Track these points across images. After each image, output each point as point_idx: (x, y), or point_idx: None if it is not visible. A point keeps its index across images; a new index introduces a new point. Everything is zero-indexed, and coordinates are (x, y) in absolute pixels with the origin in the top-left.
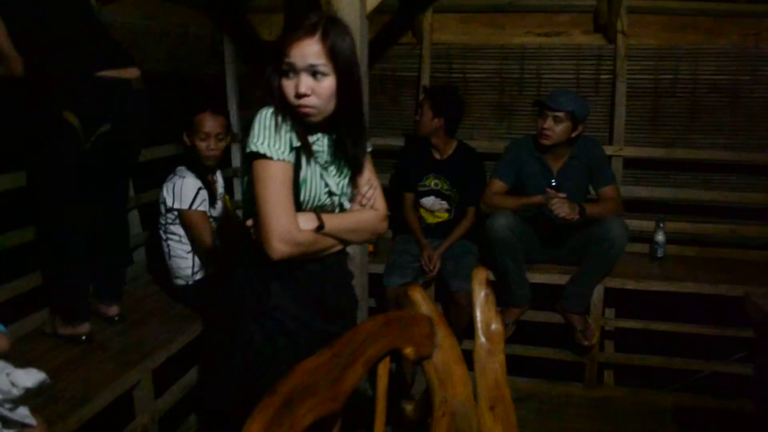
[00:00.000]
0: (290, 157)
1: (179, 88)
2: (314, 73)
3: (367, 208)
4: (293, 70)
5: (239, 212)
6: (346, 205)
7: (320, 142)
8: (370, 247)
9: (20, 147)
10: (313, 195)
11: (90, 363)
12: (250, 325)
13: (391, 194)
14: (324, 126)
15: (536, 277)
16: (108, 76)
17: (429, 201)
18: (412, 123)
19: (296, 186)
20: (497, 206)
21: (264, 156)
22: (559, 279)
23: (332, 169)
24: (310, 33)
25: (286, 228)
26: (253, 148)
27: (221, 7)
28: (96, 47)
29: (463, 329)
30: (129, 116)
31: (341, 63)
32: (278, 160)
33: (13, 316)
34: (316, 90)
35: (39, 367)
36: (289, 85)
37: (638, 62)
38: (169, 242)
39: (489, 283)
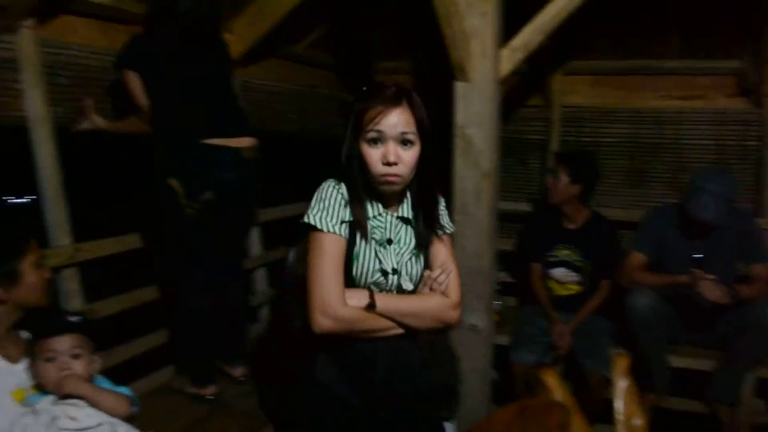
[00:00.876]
0: (343, 231)
1: (310, 147)
2: (403, 141)
3: (437, 293)
4: (381, 139)
5: None
6: (406, 285)
7: (382, 218)
8: (496, 317)
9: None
10: (365, 271)
11: (216, 424)
12: (304, 394)
13: (515, 262)
14: (390, 201)
15: (678, 361)
16: (214, 145)
17: (559, 272)
18: (538, 187)
19: (349, 260)
20: (639, 282)
21: (316, 228)
22: (705, 364)
23: (394, 246)
24: (397, 102)
25: (330, 302)
26: (307, 219)
27: (351, 69)
28: (214, 116)
29: (595, 412)
30: (233, 184)
31: (425, 133)
32: (329, 232)
33: (142, 371)
34: (404, 158)
35: (165, 425)
36: (374, 154)
37: None
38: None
39: (631, 372)
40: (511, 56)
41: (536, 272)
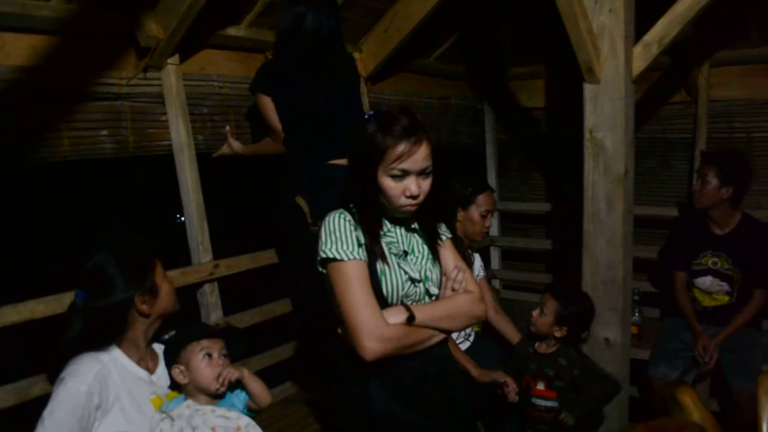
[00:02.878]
0: (361, 255)
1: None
2: (424, 174)
3: (460, 291)
4: (404, 175)
5: None
6: (433, 290)
7: (392, 233)
8: (634, 330)
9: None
10: (395, 285)
11: None
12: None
13: (658, 270)
14: (396, 218)
15: None
16: (341, 164)
17: (706, 281)
18: (684, 191)
19: (376, 280)
20: None
21: (335, 259)
22: None
23: (411, 257)
24: (420, 138)
25: (373, 324)
26: (323, 255)
27: (482, 77)
28: (340, 135)
29: None
30: None
31: (435, 158)
32: (349, 260)
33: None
34: (423, 188)
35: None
36: (397, 187)
37: None
38: None
39: None
40: (645, 53)
41: (680, 281)
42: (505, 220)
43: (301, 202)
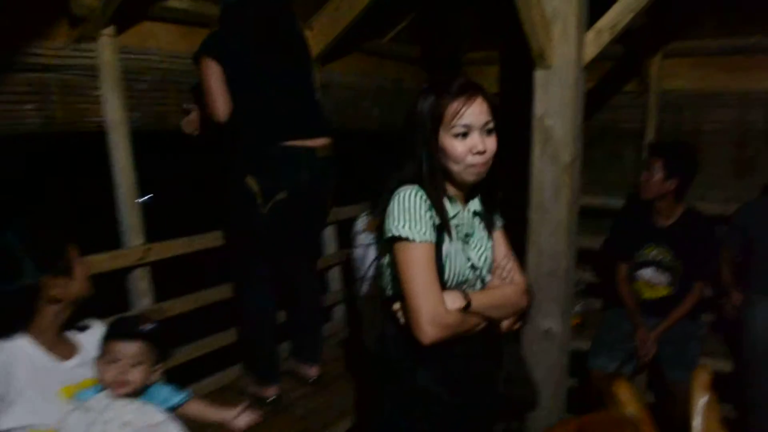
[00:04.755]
0: (432, 237)
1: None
2: (487, 130)
3: (507, 281)
4: (468, 132)
5: None
6: (488, 278)
7: (460, 216)
8: (576, 320)
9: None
10: (457, 271)
11: (270, 426)
12: (393, 410)
13: (602, 262)
14: (463, 197)
15: None
16: (293, 146)
17: (647, 273)
18: (632, 181)
19: (440, 264)
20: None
21: (407, 239)
22: None
23: (473, 242)
24: (476, 92)
25: (437, 310)
26: (395, 232)
27: (436, 61)
28: (293, 116)
29: (680, 426)
30: (308, 184)
31: (498, 122)
32: (421, 242)
33: (214, 368)
34: (489, 147)
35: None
36: (462, 146)
37: None
38: None
39: (713, 387)
40: (597, 39)
41: (622, 272)
42: None
43: (251, 182)
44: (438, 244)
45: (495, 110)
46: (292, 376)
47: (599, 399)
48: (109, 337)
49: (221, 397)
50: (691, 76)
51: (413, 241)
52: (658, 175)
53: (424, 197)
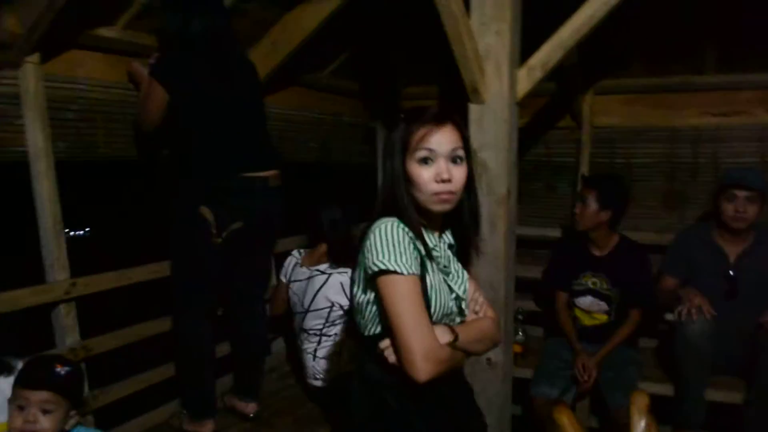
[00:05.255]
0: (417, 270)
1: (332, 177)
2: (453, 159)
3: (481, 314)
4: (432, 158)
5: None
6: (465, 308)
7: (438, 247)
8: (518, 348)
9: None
10: (442, 303)
11: None
12: None
13: (542, 291)
14: (439, 227)
15: (714, 395)
16: (248, 177)
17: (586, 301)
18: (568, 213)
19: (425, 296)
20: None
21: (394, 272)
22: (738, 398)
23: (452, 274)
24: (444, 120)
25: (431, 345)
26: (381, 266)
27: (375, 96)
28: (248, 149)
29: None
30: (261, 213)
31: (470, 152)
32: (409, 275)
33: (147, 406)
34: (455, 176)
35: None
36: (426, 173)
37: None
38: (323, 340)
39: (651, 410)
40: (529, 76)
41: (561, 301)
42: None
43: (205, 212)
44: (422, 277)
45: (467, 140)
46: (230, 412)
47: (542, 426)
48: (18, 382)
49: None
50: (621, 112)
51: (401, 274)
52: (592, 206)
53: (406, 229)
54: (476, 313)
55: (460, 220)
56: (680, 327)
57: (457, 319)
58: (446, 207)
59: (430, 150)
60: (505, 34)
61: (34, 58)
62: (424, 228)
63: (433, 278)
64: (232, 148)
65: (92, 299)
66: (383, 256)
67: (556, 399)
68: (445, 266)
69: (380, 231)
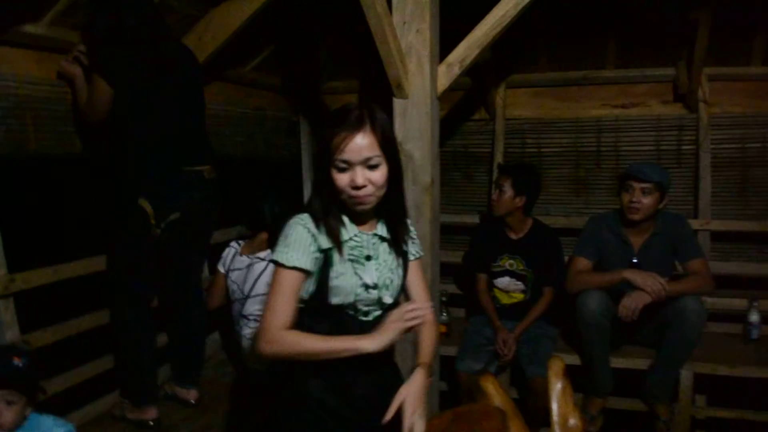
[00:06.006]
0: (307, 264)
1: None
2: (369, 166)
3: (419, 320)
4: (347, 167)
5: None
6: (386, 299)
7: (358, 238)
8: (443, 328)
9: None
10: (348, 290)
11: None
12: (289, 416)
13: (463, 273)
14: (365, 220)
15: (618, 362)
16: (196, 170)
17: (504, 282)
18: (485, 200)
19: (326, 284)
20: (583, 284)
21: (279, 263)
22: (642, 364)
23: (374, 263)
24: (359, 127)
25: (275, 331)
26: (273, 256)
27: (298, 90)
28: (187, 143)
29: (541, 417)
30: (198, 205)
31: (391, 150)
32: (290, 267)
33: (85, 398)
34: (372, 179)
35: None
36: (343, 179)
37: (723, 131)
38: (253, 325)
39: (566, 374)
40: (448, 72)
41: (481, 282)
42: None
43: (145, 204)
44: (324, 268)
45: (387, 140)
46: (171, 399)
47: (468, 397)
48: None
49: (99, 426)
50: (530, 104)
51: (282, 265)
52: (508, 193)
53: (308, 225)
54: (407, 316)
55: (388, 213)
56: (579, 306)
57: (375, 306)
58: (365, 207)
59: (345, 161)
60: (425, 32)
61: None
62: (348, 222)
63: (338, 268)
64: (172, 142)
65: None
66: (278, 247)
67: (480, 371)
68: (368, 256)
69: (286, 226)
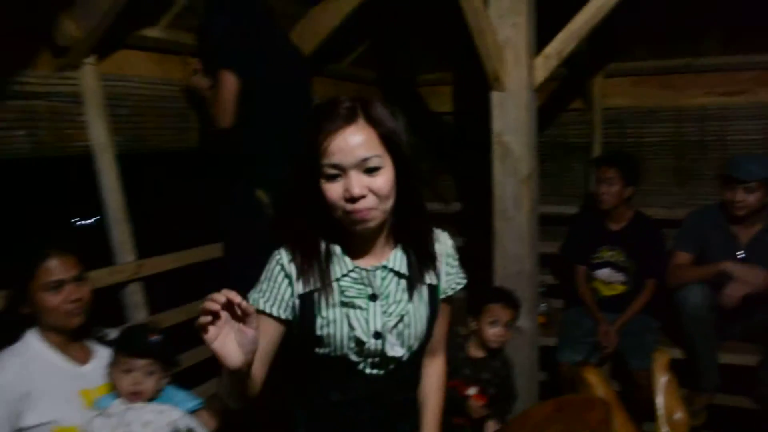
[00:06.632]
0: (280, 312)
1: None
2: (367, 169)
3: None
4: (338, 173)
5: None
6: (394, 351)
7: (357, 273)
8: (541, 319)
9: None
10: (337, 343)
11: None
12: None
13: (561, 265)
14: (368, 247)
15: (726, 358)
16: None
17: (604, 273)
18: (581, 190)
19: (313, 334)
20: (684, 278)
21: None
22: (751, 360)
23: (381, 304)
24: (350, 120)
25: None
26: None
27: (393, 83)
28: (300, 140)
29: (644, 410)
30: None
31: (396, 148)
32: (262, 313)
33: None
34: (373, 187)
35: None
36: (334, 189)
37: None
38: None
39: (671, 368)
40: (545, 64)
41: (580, 274)
42: None
43: (263, 196)
44: (311, 312)
45: (389, 135)
46: None
47: (569, 388)
48: (122, 349)
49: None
50: (630, 93)
51: (256, 309)
52: (617, 185)
53: (285, 260)
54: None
55: (404, 234)
56: (681, 300)
57: (377, 361)
58: (368, 225)
59: (334, 165)
60: (521, 25)
61: (92, 59)
62: (340, 253)
63: (326, 314)
64: (287, 134)
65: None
66: (255, 287)
67: (580, 362)
68: (371, 296)
69: (271, 257)
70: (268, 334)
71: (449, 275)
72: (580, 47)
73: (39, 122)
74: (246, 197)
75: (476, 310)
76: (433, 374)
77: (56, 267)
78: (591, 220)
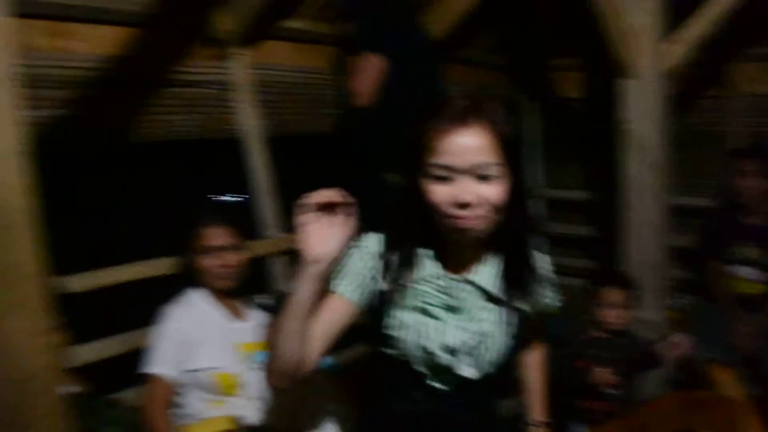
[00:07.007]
0: (356, 296)
1: None
2: (481, 176)
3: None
4: (449, 176)
5: None
6: (466, 372)
7: (443, 281)
8: (675, 314)
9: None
10: (406, 348)
11: None
12: None
13: (694, 259)
14: (462, 257)
15: None
16: None
17: (741, 270)
18: (716, 182)
19: (382, 332)
20: None
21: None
22: None
23: (460, 318)
24: (466, 120)
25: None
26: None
27: (521, 68)
28: None
29: None
30: None
31: (514, 159)
32: (338, 294)
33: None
34: (484, 195)
35: None
36: (441, 192)
37: None
38: None
39: None
40: (678, 50)
41: (714, 269)
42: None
43: (393, 178)
44: (387, 309)
45: (508, 144)
46: None
47: (701, 385)
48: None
49: None
50: None
51: (330, 290)
52: (757, 179)
53: (373, 251)
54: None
55: (501, 250)
56: None
57: (446, 378)
58: (471, 235)
59: (445, 166)
60: (652, 10)
61: (243, 50)
62: (431, 258)
63: (402, 315)
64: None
65: None
66: (338, 267)
67: (713, 360)
68: (450, 307)
69: (360, 242)
70: (338, 313)
71: (544, 301)
72: (716, 31)
73: (196, 108)
74: (376, 179)
75: (593, 293)
76: (533, 355)
77: (215, 234)
78: (727, 214)
